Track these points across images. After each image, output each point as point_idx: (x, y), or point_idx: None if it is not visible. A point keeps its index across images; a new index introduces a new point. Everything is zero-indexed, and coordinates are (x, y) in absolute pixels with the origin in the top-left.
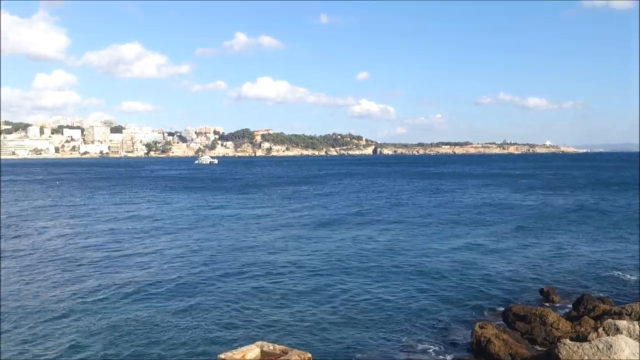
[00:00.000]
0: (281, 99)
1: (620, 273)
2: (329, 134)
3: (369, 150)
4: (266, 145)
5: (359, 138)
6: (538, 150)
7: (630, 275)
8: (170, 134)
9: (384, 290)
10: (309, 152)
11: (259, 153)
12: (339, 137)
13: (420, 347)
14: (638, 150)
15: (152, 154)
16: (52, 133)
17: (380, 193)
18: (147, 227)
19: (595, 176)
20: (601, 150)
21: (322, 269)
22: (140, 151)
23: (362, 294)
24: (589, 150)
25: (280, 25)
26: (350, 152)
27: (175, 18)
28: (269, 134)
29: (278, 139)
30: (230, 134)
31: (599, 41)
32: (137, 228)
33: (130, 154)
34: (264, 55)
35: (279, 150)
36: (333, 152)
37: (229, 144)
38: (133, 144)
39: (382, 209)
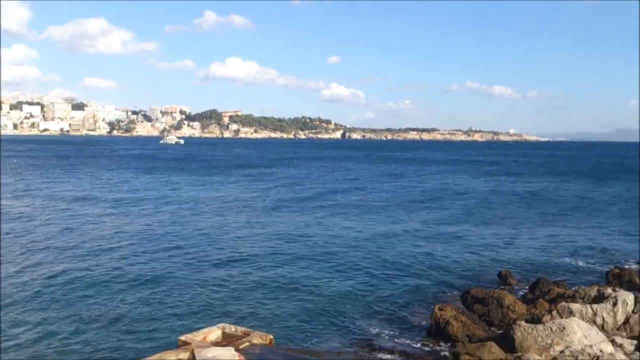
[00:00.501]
0: (250, 79)
1: (575, 258)
2: (298, 117)
3: (337, 135)
4: (234, 126)
5: (328, 122)
6: (502, 138)
7: (585, 260)
8: (134, 112)
9: (344, 275)
10: (278, 134)
11: (227, 134)
12: (308, 120)
13: (378, 330)
14: (596, 140)
15: (115, 132)
16: (11, 109)
17: (346, 177)
18: (106, 209)
19: (555, 164)
20: (562, 139)
21: (284, 254)
22: (103, 130)
23: (322, 279)
24: (551, 139)
25: (252, 5)
26: (319, 136)
27: None
28: (237, 116)
29: (246, 120)
30: (197, 114)
31: (565, 33)
32: (96, 210)
33: (92, 133)
34: (233, 35)
35: (247, 132)
36: (302, 135)
37: (196, 124)
38: (95, 122)
39: (346, 193)
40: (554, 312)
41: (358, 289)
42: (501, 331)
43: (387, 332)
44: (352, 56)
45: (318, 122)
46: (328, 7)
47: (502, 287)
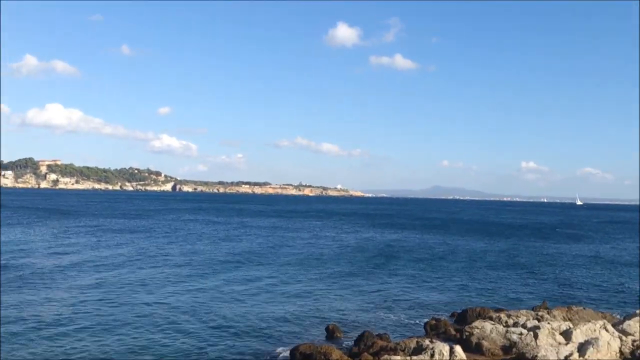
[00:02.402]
0: (73, 127)
1: (397, 310)
2: (125, 168)
3: (168, 187)
4: (53, 176)
5: (158, 174)
6: (330, 193)
7: (405, 312)
8: None
9: (163, 340)
10: (102, 186)
11: (44, 185)
12: (137, 171)
13: None
14: (415, 196)
15: None
16: None
17: (169, 232)
18: None
19: (376, 217)
20: (384, 195)
21: (86, 320)
22: None
23: (137, 347)
24: (374, 195)
25: (77, 51)
26: (148, 188)
27: None
28: (57, 165)
29: (67, 170)
30: (11, 162)
31: (383, 96)
32: None
33: None
34: (56, 81)
35: (67, 183)
36: (129, 187)
37: (9, 173)
38: None
39: (165, 247)
40: None
41: (179, 353)
42: None
43: None
44: (184, 108)
45: (147, 174)
46: (158, 57)
47: (330, 341)
